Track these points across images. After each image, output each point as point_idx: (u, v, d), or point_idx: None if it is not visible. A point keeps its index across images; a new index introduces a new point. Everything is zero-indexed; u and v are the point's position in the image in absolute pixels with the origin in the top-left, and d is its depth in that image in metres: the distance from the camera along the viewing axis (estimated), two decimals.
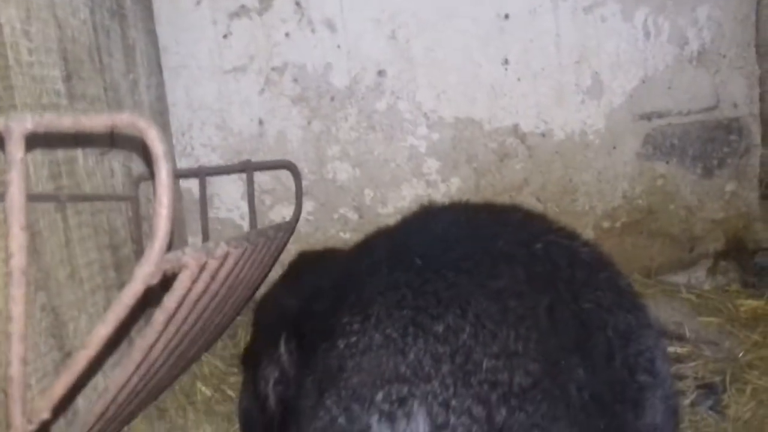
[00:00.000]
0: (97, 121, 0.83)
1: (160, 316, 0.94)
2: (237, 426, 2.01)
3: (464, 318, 1.36)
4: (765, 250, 2.83)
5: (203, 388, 2.11)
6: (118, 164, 2.07)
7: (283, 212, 2.69)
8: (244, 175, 2.62)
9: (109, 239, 1.95)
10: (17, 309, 0.79)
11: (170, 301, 0.94)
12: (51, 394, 0.83)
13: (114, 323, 0.82)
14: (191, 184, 2.63)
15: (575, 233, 1.75)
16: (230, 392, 2.15)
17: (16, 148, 0.79)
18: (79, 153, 1.81)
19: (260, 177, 2.66)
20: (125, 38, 2.24)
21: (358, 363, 1.38)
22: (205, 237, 2.46)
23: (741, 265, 2.87)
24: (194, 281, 1.00)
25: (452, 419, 1.27)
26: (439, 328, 1.35)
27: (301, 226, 2.70)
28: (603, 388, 1.32)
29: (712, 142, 2.79)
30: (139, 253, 2.09)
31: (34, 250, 1.53)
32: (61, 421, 1.48)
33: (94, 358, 0.84)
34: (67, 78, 1.77)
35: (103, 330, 0.82)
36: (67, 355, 1.62)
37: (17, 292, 0.79)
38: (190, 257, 0.93)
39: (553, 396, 1.28)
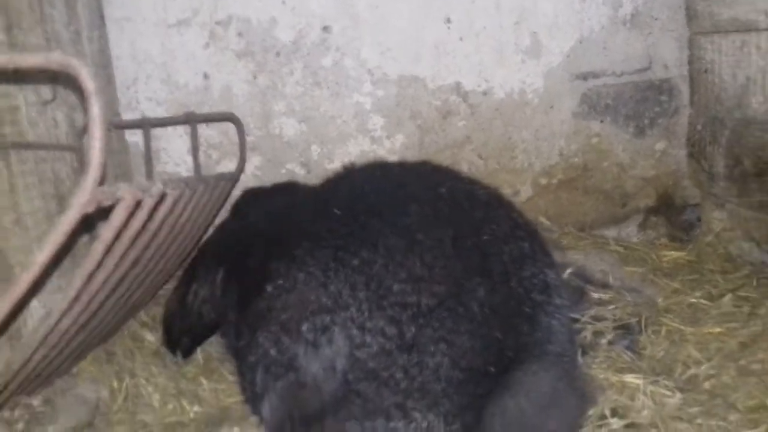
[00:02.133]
0: (31, 60, 0.88)
1: (98, 245, 1.01)
2: (185, 368, 2.09)
3: (376, 251, 1.52)
4: (692, 206, 3.00)
5: (149, 335, 2.18)
6: (62, 115, 2.08)
7: (230, 167, 2.72)
8: (189, 130, 2.65)
9: (54, 189, 1.98)
10: None
11: (107, 231, 1.00)
12: None
13: (52, 250, 0.88)
14: (137, 138, 2.64)
15: (475, 179, 1.96)
16: None
17: None
18: (21, 102, 1.83)
19: (207, 131, 2.69)
20: None
21: (285, 301, 1.51)
22: None
23: (670, 221, 3.03)
24: (131, 216, 1.06)
25: (368, 339, 1.40)
26: (355, 262, 1.48)
27: (249, 180, 2.74)
28: (501, 305, 1.48)
29: (644, 103, 2.92)
30: None
31: None
32: (6, 347, 1.54)
33: (33, 282, 0.90)
34: (8, 28, 1.78)
35: (41, 256, 0.88)
36: None
37: None
38: (125, 191, 0.99)
39: (456, 313, 1.44)
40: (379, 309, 1.45)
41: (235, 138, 2.66)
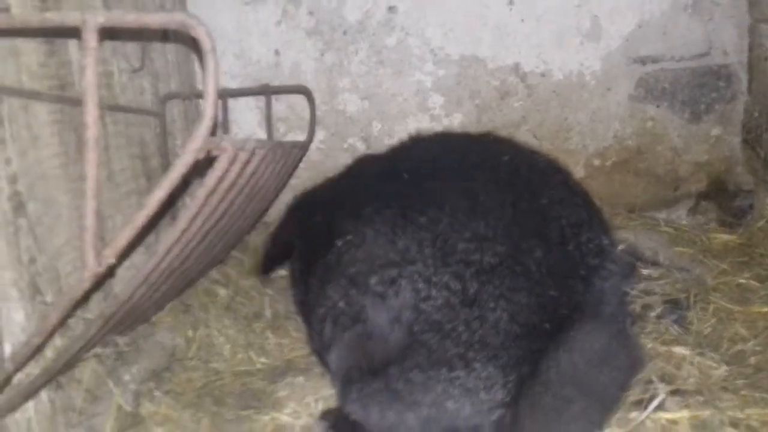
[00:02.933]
0: (155, 19, 1.01)
1: (202, 191, 1.15)
2: (254, 323, 2.24)
3: (442, 211, 1.62)
4: (745, 193, 3.02)
5: (221, 290, 2.34)
6: (148, 83, 2.25)
7: (296, 139, 2.87)
8: (259, 104, 2.80)
9: (140, 150, 2.15)
10: (92, 171, 0.99)
11: (210, 179, 1.14)
12: (116, 243, 1.05)
13: (168, 188, 1.02)
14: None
15: (536, 150, 2.16)
16: (243, 298, 2.38)
17: (91, 38, 0.98)
18: (115, 68, 2.00)
19: (275, 106, 2.83)
20: None
21: (354, 255, 1.63)
22: None
23: (720, 206, 3.06)
24: (229, 167, 1.20)
25: (433, 292, 1.52)
26: (422, 220, 1.59)
27: (312, 154, 2.89)
28: (557, 266, 1.58)
29: (701, 88, 2.95)
30: (165, 165, 2.30)
31: (79, 149, 1.73)
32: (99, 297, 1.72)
33: (150, 217, 1.05)
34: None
35: (160, 193, 1.02)
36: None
37: (92, 155, 0.99)
38: (228, 143, 1.13)
39: (515, 272, 1.53)
40: (445, 265, 1.56)
41: (302, 112, 2.80)
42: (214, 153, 1.10)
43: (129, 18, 1.03)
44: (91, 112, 1.00)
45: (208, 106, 1.01)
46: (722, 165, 3.02)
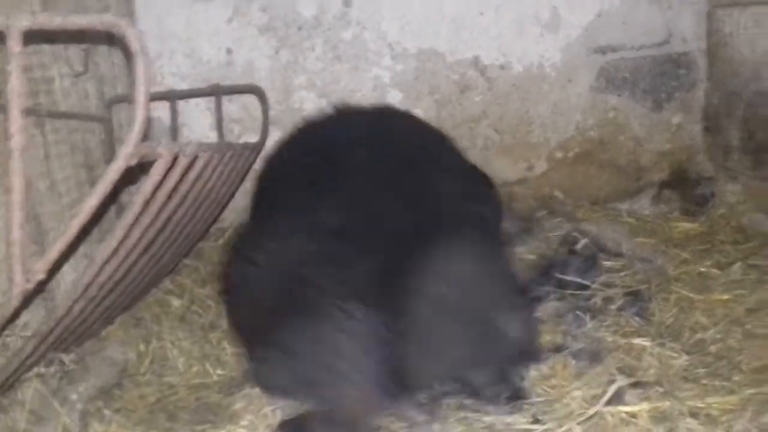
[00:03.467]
0: (83, 21, 0.96)
1: (138, 198, 1.09)
2: (210, 334, 2.17)
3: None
4: (706, 180, 3.03)
5: (175, 300, 2.27)
6: (92, 87, 2.17)
7: (251, 140, 2.80)
8: (212, 106, 2.72)
9: (84, 158, 2.07)
10: (17, 182, 0.93)
11: (147, 185, 1.08)
12: (47, 257, 0.99)
13: (101, 195, 0.97)
14: (161, 113, 2.71)
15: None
16: (199, 307, 2.31)
17: (15, 43, 0.92)
18: (55, 73, 1.92)
19: (228, 106, 2.76)
20: None
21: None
22: None
23: (683, 195, 3.06)
24: (167, 173, 1.14)
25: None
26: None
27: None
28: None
29: (661, 76, 2.95)
30: None
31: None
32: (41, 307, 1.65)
33: (82, 227, 0.99)
34: (44, 2, 1.85)
35: (92, 200, 0.96)
36: None
37: (17, 166, 0.93)
38: (164, 148, 1.07)
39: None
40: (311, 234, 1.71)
41: (256, 113, 2.73)
42: (150, 159, 1.05)
43: (55, 21, 0.97)
44: (15, 121, 0.94)
45: (139, 111, 0.95)
46: (684, 153, 3.03)
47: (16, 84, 0.94)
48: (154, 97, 2.54)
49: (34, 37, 0.95)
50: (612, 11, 2.87)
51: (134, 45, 0.93)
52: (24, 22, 0.94)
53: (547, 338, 1.90)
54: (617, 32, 2.90)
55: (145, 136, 1.00)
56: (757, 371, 1.73)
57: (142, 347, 2.03)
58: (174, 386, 1.92)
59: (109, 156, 2.19)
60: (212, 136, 2.78)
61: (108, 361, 1.91)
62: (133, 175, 1.21)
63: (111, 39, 2.31)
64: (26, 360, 1.32)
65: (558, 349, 1.81)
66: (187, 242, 2.13)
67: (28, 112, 1.73)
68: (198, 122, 2.80)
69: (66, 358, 1.71)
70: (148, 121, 0.97)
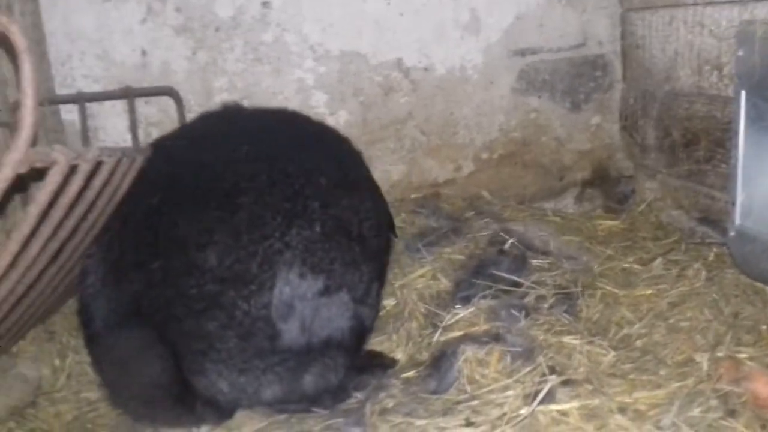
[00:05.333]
0: None
1: (32, 208, 1.00)
2: None
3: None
4: (627, 178, 3.11)
5: None
6: None
7: None
8: (128, 107, 2.61)
9: None
10: None
11: (41, 194, 0.99)
12: None
13: None
14: (73, 116, 2.58)
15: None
16: None
17: None
18: None
19: (146, 109, 2.64)
20: None
21: None
22: None
23: (605, 193, 3.14)
24: (66, 180, 1.05)
25: None
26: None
27: None
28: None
29: (579, 78, 3.01)
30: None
31: None
32: None
33: None
34: None
35: None
36: None
37: None
38: (59, 153, 0.98)
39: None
40: None
41: (176, 116, 2.63)
42: (41, 165, 0.96)
43: None
44: None
45: (27, 114, 0.87)
46: (604, 152, 3.10)
47: None
48: (62, 100, 2.41)
49: None
50: (529, 14, 2.91)
51: (18, 42, 0.85)
52: None
53: (484, 327, 1.89)
54: (535, 35, 2.94)
55: (35, 139, 0.91)
56: (681, 365, 1.76)
57: (57, 362, 1.94)
58: (93, 402, 1.84)
59: None
60: (128, 139, 2.65)
61: (20, 378, 1.83)
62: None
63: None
64: None
65: (497, 338, 1.79)
66: None
67: None
68: (113, 125, 2.66)
69: None
70: (38, 125, 0.88)
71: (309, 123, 2.22)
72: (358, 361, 1.83)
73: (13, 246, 1.01)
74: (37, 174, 1.01)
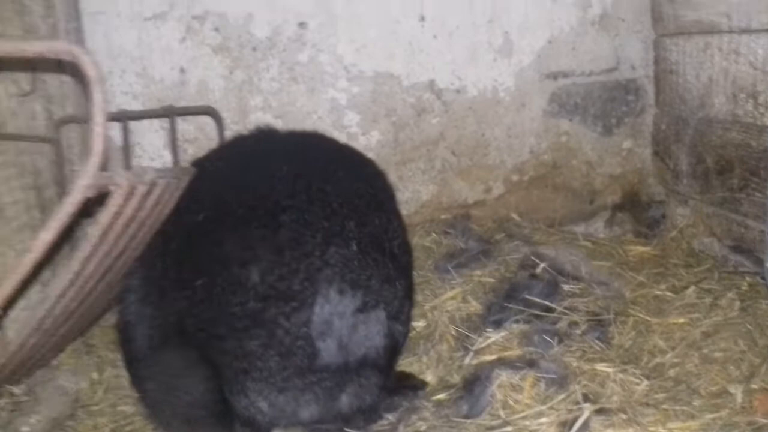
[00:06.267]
0: (36, 47, 0.90)
1: (94, 230, 1.03)
2: None
3: None
4: (657, 203, 3.10)
5: None
6: (40, 107, 2.08)
7: None
8: (166, 125, 2.66)
9: (33, 180, 1.98)
10: None
11: (104, 216, 1.02)
12: (1, 293, 0.92)
13: (56, 230, 0.91)
14: (113, 132, 2.63)
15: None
16: None
17: None
18: (1, 93, 1.83)
19: (183, 126, 2.69)
20: None
21: None
22: None
23: (635, 217, 3.14)
24: (125, 202, 1.08)
25: None
26: None
27: None
28: None
29: (611, 102, 3.01)
30: (61, 195, 2.12)
31: None
32: None
33: (36, 262, 0.92)
34: None
35: (46, 235, 0.90)
36: None
37: None
38: (122, 177, 1.02)
39: None
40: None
41: (212, 132, 2.68)
42: (108, 189, 0.99)
43: (5, 47, 0.91)
44: None
45: (96, 141, 0.90)
46: (635, 177, 3.09)
47: None
48: (108, 118, 2.46)
49: None
50: (562, 38, 2.92)
51: (91, 72, 0.88)
52: None
53: (518, 352, 1.90)
54: (567, 58, 2.96)
55: (104, 164, 0.95)
56: (715, 396, 1.76)
57: (95, 375, 1.98)
58: (129, 416, 1.86)
59: (59, 178, 2.11)
60: (165, 155, 2.70)
61: (60, 390, 1.85)
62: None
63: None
64: None
65: (531, 364, 1.80)
66: None
67: None
68: (151, 142, 2.71)
69: (17, 389, 1.63)
70: (106, 151, 0.92)
71: (337, 145, 2.25)
72: (388, 382, 1.84)
73: (75, 265, 1.05)
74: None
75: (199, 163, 1.94)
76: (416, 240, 2.67)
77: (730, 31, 2.38)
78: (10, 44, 0.91)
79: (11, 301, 1.00)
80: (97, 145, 0.89)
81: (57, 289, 1.07)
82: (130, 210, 1.14)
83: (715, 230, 2.59)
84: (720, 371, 1.86)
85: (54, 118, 2.16)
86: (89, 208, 1.11)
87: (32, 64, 2.00)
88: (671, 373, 1.89)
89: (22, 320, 1.43)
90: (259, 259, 1.58)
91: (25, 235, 1.89)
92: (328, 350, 1.61)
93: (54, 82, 2.21)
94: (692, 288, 2.29)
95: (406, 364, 2.06)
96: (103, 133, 0.89)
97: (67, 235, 1.75)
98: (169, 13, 2.63)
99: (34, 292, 1.77)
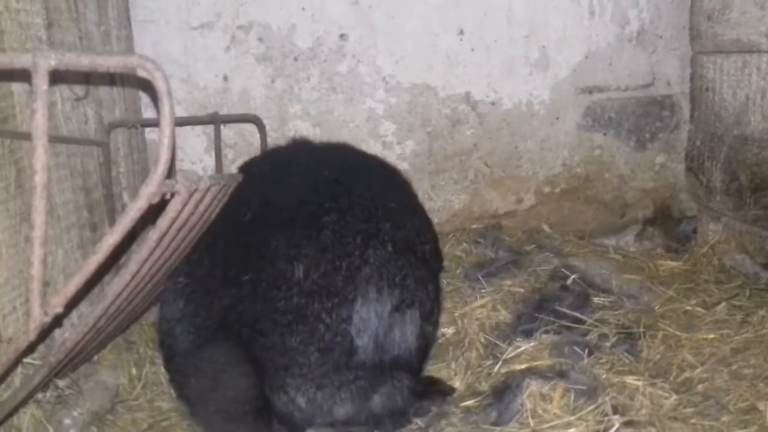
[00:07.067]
0: (111, 62, 0.97)
1: (154, 234, 1.10)
2: None
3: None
4: (689, 218, 3.11)
5: None
6: (92, 111, 2.17)
7: None
8: (207, 130, 2.75)
9: (82, 182, 2.06)
10: (39, 218, 0.93)
11: (163, 221, 1.09)
12: (65, 291, 0.99)
13: (121, 233, 0.97)
14: (157, 136, 2.72)
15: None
16: None
17: (41, 81, 0.93)
18: (58, 98, 1.92)
19: (223, 132, 2.76)
20: None
21: None
22: None
23: (666, 232, 3.14)
24: (183, 208, 1.15)
25: None
26: None
27: None
28: None
29: (645, 117, 3.03)
30: (108, 196, 2.21)
31: (19, 184, 1.65)
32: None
33: (100, 264, 0.99)
34: (49, 26, 1.86)
35: (112, 239, 0.97)
36: (46, 284, 1.75)
37: (39, 203, 0.93)
38: (182, 185, 1.08)
39: None
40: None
41: (251, 138, 2.76)
42: (168, 196, 1.06)
43: (83, 61, 0.98)
44: (39, 158, 0.95)
45: (164, 152, 0.97)
46: (667, 192, 3.11)
47: (41, 122, 0.95)
48: (153, 123, 2.55)
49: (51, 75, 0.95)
50: (599, 53, 2.95)
51: (161, 87, 0.95)
52: (51, 61, 0.95)
53: (548, 362, 1.94)
54: (603, 73, 2.98)
55: (169, 173, 1.01)
56: (744, 412, 1.77)
57: (134, 371, 2.03)
58: (166, 411, 1.93)
59: (107, 180, 2.19)
60: (206, 160, 2.80)
61: (101, 385, 1.90)
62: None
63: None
64: (34, 390, 1.31)
65: (561, 375, 1.83)
66: None
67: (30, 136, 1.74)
68: (193, 146, 2.81)
69: (61, 382, 1.70)
70: (172, 161, 0.98)
71: (366, 154, 2.35)
72: (418, 386, 1.89)
73: (134, 266, 1.12)
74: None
75: (245, 169, 2.02)
76: (447, 249, 2.71)
77: None
78: (87, 58, 0.97)
79: (75, 301, 1.06)
80: (164, 155, 0.96)
81: (115, 289, 1.14)
82: (185, 214, 1.21)
83: (747, 247, 2.59)
84: (749, 387, 1.87)
85: (104, 122, 2.24)
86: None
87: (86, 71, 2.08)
88: (700, 388, 1.91)
89: (80, 319, 1.52)
90: (304, 257, 1.65)
91: (73, 235, 1.97)
92: (365, 348, 1.67)
93: (105, 87, 2.30)
94: (723, 304, 2.31)
95: (434, 370, 2.10)
96: (169, 144, 0.96)
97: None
98: (216, 23, 2.72)
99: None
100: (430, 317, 1.86)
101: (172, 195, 1.09)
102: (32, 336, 1.01)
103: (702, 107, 2.85)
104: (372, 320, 1.67)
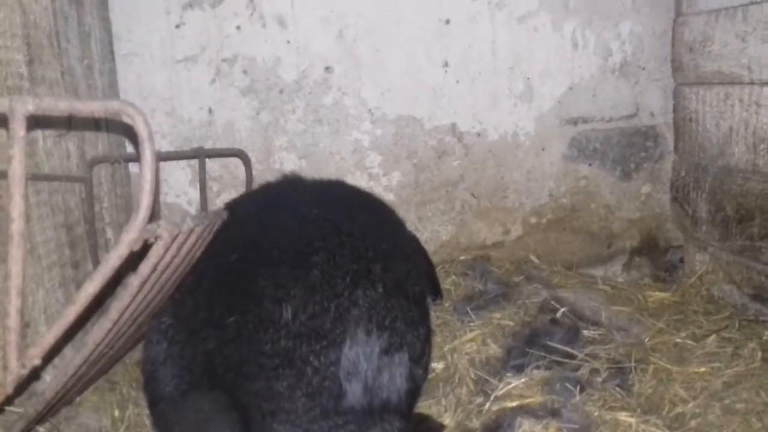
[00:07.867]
0: (90, 107, 0.94)
1: (135, 281, 1.06)
2: None
3: None
4: (675, 248, 3.11)
5: None
6: (74, 146, 2.13)
7: (231, 197, 2.78)
8: (192, 162, 2.72)
9: (64, 218, 2.02)
10: (16, 267, 0.90)
11: (145, 267, 1.06)
12: (43, 343, 0.95)
13: (100, 282, 0.94)
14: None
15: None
16: None
17: (18, 127, 0.90)
18: (39, 134, 1.88)
19: (209, 164, 2.75)
20: (81, 24, 2.30)
21: None
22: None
23: (653, 261, 3.14)
24: (165, 252, 1.12)
25: None
26: None
27: None
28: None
29: (630, 148, 3.05)
30: (90, 232, 2.17)
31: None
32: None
33: (79, 314, 0.95)
34: (30, 62, 1.84)
35: (91, 287, 0.93)
36: (26, 325, 1.70)
37: (17, 252, 0.89)
38: (164, 229, 1.05)
39: None
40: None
41: (236, 170, 2.73)
42: (151, 241, 1.03)
43: (60, 106, 0.95)
44: (17, 205, 0.91)
45: (145, 197, 0.94)
46: (653, 222, 3.11)
47: (18, 168, 0.92)
48: (136, 158, 2.52)
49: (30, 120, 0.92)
50: (582, 84, 2.97)
51: (143, 131, 0.93)
52: (28, 106, 0.92)
53: (540, 399, 1.90)
54: (588, 105, 3.00)
55: (150, 218, 0.99)
56: None
57: (117, 413, 1.98)
58: None
59: (90, 216, 2.15)
60: (190, 192, 2.77)
61: (83, 428, 1.86)
62: None
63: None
64: None
65: (553, 413, 1.80)
66: None
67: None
68: (178, 179, 2.78)
69: (41, 428, 1.64)
70: (153, 206, 0.96)
71: (361, 192, 2.31)
72: (408, 427, 1.85)
73: (114, 314, 1.08)
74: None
75: (230, 206, 1.99)
76: None
77: (752, 83, 2.41)
78: (65, 102, 0.95)
79: (56, 349, 1.03)
80: (145, 200, 0.93)
81: (95, 337, 1.10)
82: (168, 257, 1.18)
83: (735, 278, 2.59)
84: (742, 423, 1.85)
85: (87, 158, 2.21)
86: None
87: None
88: (693, 423, 1.88)
89: (59, 368, 1.47)
90: (292, 297, 1.61)
91: (55, 273, 1.93)
92: (353, 392, 1.63)
93: (87, 122, 2.27)
94: (713, 337, 2.29)
95: (424, 406, 2.06)
96: (150, 189, 0.93)
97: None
98: (200, 56, 2.71)
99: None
100: (421, 360, 1.81)
101: (156, 238, 1.06)
102: (9, 389, 0.97)
103: (686, 138, 2.87)
104: (361, 363, 1.62)
